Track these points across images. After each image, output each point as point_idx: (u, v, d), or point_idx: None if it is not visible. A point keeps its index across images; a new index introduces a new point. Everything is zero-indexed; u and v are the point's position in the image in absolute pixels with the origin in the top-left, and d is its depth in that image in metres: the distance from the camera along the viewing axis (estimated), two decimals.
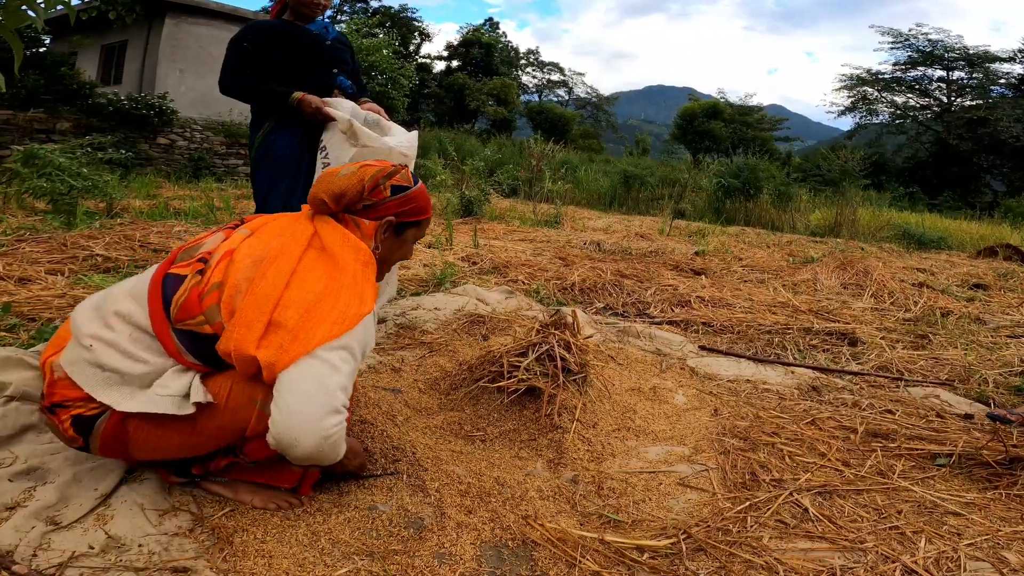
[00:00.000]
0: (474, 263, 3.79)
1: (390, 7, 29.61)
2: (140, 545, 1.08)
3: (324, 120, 1.92)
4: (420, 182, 1.36)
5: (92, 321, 1.13)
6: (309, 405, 1.05)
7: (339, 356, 1.10)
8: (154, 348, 1.13)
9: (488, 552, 1.19)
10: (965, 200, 20.67)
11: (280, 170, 2.04)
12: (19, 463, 1.24)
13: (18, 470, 1.22)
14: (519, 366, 1.71)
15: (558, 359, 1.73)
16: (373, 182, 1.26)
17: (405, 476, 1.40)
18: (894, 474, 1.57)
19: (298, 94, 1.94)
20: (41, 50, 10.78)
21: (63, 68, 9.86)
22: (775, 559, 1.20)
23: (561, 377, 1.72)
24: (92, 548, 1.05)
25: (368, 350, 1.20)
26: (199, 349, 1.13)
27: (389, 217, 1.28)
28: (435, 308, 2.64)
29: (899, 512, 1.40)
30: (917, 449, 1.71)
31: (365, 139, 1.80)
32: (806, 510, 1.38)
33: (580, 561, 1.16)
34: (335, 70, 2.16)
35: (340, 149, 1.83)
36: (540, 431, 1.61)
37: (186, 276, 1.15)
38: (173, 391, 1.09)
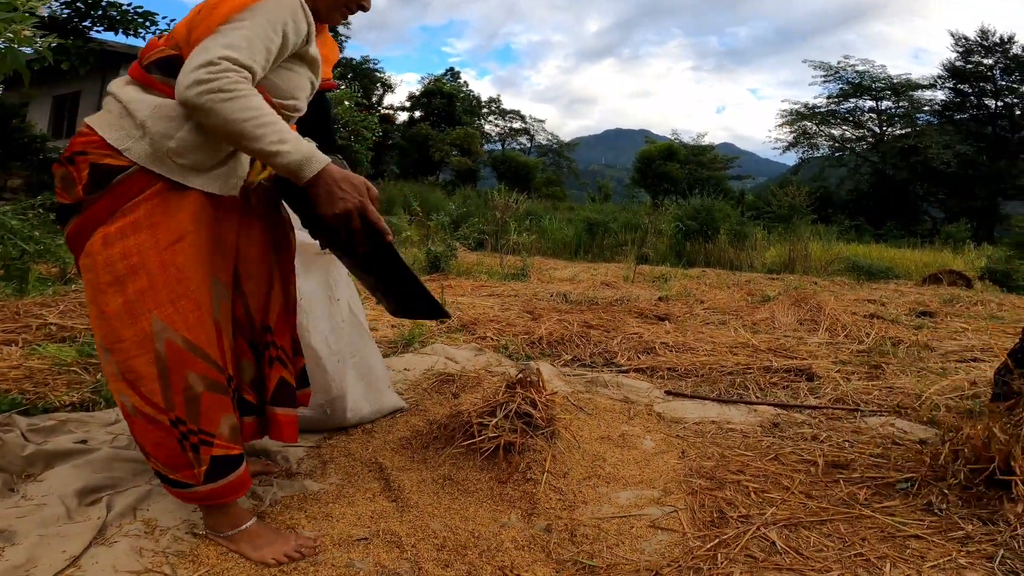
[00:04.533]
0: (442, 322, 3.84)
1: (351, 58, 29.84)
2: None
3: None
4: None
5: None
6: (185, 67, 1.09)
7: (233, 26, 1.12)
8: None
9: None
10: (907, 229, 21.60)
11: None
12: None
13: None
14: (488, 424, 1.75)
15: (525, 416, 1.77)
16: None
17: (381, 532, 1.41)
18: (856, 503, 1.63)
19: None
20: None
21: (15, 120, 9.36)
22: None
23: (529, 432, 1.76)
24: None
25: (295, 27, 1.21)
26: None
27: None
28: (405, 369, 2.67)
29: (863, 539, 1.45)
30: (877, 477, 1.78)
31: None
32: (773, 543, 1.43)
33: None
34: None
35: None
36: (512, 484, 1.64)
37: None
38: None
